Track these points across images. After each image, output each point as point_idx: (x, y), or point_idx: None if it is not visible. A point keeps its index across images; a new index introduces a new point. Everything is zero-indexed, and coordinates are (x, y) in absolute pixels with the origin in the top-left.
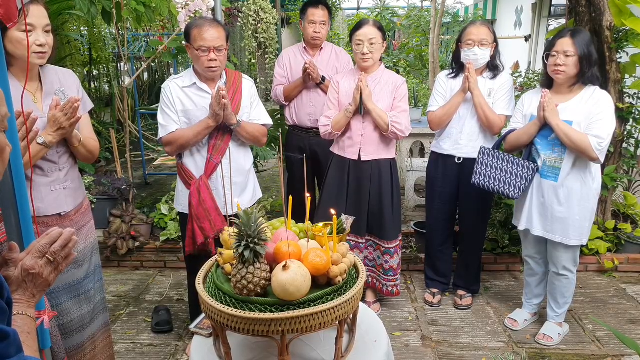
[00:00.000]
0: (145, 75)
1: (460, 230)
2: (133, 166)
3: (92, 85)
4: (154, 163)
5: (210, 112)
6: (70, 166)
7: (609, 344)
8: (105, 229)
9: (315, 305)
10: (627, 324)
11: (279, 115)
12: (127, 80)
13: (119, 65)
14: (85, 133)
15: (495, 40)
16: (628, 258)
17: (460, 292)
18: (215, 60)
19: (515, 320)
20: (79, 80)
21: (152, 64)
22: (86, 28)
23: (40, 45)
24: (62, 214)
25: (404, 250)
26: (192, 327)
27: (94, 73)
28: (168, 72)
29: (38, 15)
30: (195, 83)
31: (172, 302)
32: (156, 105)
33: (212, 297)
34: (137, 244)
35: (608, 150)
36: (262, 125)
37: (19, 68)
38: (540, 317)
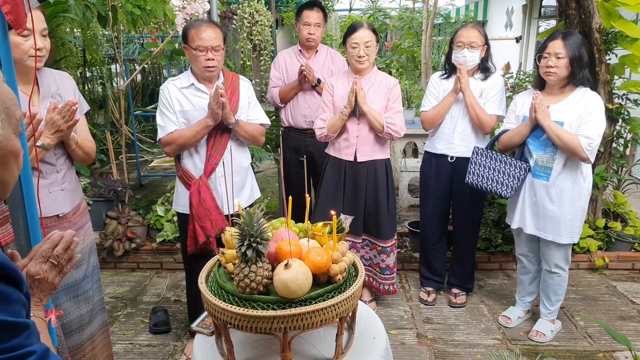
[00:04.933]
0: (139, 77)
1: (454, 229)
2: (128, 168)
3: (86, 87)
4: (150, 165)
5: (208, 111)
6: (68, 168)
7: (600, 340)
8: (102, 231)
9: (316, 303)
10: (617, 320)
11: (273, 117)
12: (122, 82)
13: (115, 66)
14: (82, 135)
15: (487, 43)
16: (618, 256)
17: (455, 291)
18: (213, 59)
19: (509, 318)
20: (75, 82)
21: (146, 66)
22: (80, 30)
23: (37, 50)
24: (60, 215)
25: (399, 250)
26: (193, 325)
27: (88, 75)
28: (161, 74)
29: (35, 20)
30: (193, 84)
31: (169, 302)
32: (150, 107)
33: (215, 296)
34: (133, 245)
35: (598, 150)
36: (260, 124)
37: (17, 72)
38: (533, 315)
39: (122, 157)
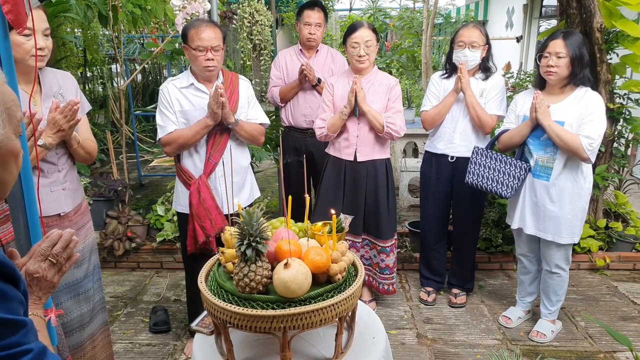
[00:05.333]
0: (139, 77)
1: (454, 229)
2: (128, 168)
3: (87, 87)
4: (150, 164)
5: (208, 111)
6: (69, 167)
7: (601, 341)
8: (102, 230)
9: (316, 302)
10: (618, 321)
11: (273, 117)
12: (122, 82)
13: (115, 66)
14: (84, 134)
15: (488, 43)
16: (619, 256)
17: (455, 291)
18: (212, 59)
19: (509, 318)
20: (77, 82)
21: (146, 66)
22: (80, 30)
23: (39, 49)
24: (61, 214)
25: (399, 250)
26: (193, 325)
27: (88, 75)
28: (161, 74)
29: (37, 20)
30: (192, 84)
31: (169, 302)
32: (150, 106)
33: (215, 295)
34: (133, 245)
35: (599, 150)
36: (260, 124)
37: (19, 71)
38: (534, 315)
39: (122, 157)
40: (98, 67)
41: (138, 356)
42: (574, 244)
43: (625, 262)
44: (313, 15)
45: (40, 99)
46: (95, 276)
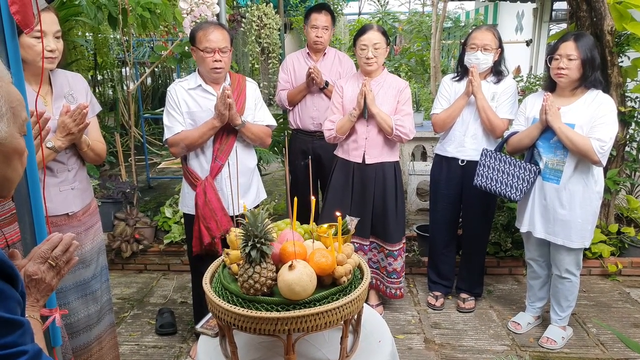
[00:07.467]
0: (149, 80)
1: (463, 233)
2: (136, 170)
3: (97, 90)
4: (158, 167)
5: (215, 112)
6: (79, 167)
7: (613, 348)
8: (110, 232)
9: (320, 305)
10: (631, 328)
11: (281, 120)
12: (132, 85)
13: (124, 70)
14: (93, 136)
15: (501, 46)
16: (632, 262)
17: (463, 295)
18: (220, 61)
19: (519, 324)
20: (87, 83)
21: (156, 69)
22: (91, 34)
23: (50, 51)
24: (70, 214)
25: (407, 254)
26: (198, 327)
27: (99, 78)
28: (171, 77)
29: (49, 22)
30: (200, 85)
31: (175, 304)
32: (160, 109)
33: (219, 297)
34: (141, 246)
35: (610, 154)
36: (267, 126)
37: (30, 72)
38: (544, 321)
39: (131, 159)
40: (108, 70)
41: (144, 358)
42: (585, 249)
43: (637, 268)
44: (320, 18)
45: (51, 100)
46: (103, 277)
